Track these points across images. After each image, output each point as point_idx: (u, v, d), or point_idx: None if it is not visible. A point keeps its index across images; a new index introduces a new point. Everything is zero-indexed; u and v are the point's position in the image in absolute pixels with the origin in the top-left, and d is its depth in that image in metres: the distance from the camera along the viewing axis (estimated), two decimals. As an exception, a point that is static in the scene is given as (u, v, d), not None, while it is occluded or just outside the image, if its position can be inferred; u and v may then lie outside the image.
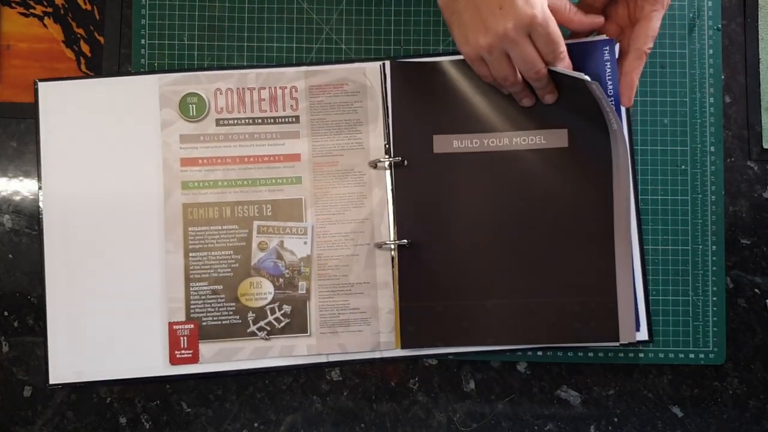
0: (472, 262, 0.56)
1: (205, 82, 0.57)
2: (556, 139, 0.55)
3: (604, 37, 0.53)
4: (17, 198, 0.59)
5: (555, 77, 0.52)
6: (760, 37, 0.60)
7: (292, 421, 0.58)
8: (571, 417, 0.58)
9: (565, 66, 0.50)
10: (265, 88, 0.57)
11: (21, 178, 0.59)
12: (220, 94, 0.57)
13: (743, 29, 0.60)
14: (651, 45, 0.52)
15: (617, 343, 0.55)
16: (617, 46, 0.54)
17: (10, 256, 0.58)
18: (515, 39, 0.47)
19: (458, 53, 0.53)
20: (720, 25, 0.60)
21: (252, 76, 0.57)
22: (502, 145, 0.56)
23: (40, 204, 0.56)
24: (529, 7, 0.46)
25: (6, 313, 0.58)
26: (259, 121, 0.57)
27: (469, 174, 0.56)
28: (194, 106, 0.57)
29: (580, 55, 0.52)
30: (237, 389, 0.58)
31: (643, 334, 0.56)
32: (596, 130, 0.54)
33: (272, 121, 0.57)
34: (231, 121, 0.57)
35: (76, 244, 0.56)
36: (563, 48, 0.49)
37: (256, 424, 0.58)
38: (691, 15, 0.60)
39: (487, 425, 0.58)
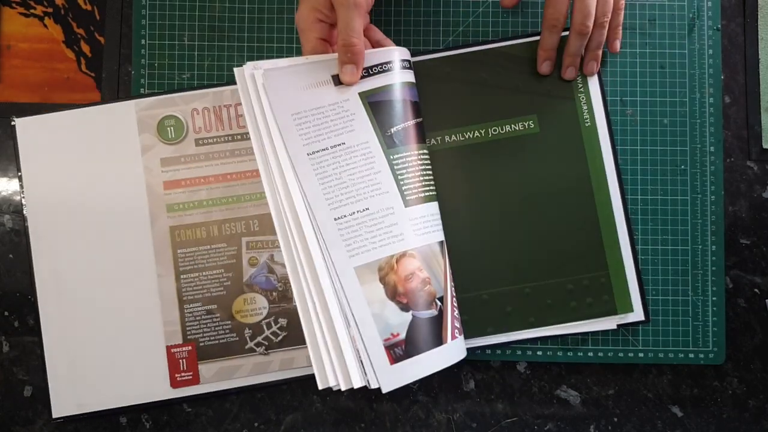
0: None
1: (180, 104, 0.57)
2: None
3: None
4: (18, 198, 0.59)
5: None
6: (759, 37, 0.60)
7: (292, 421, 0.58)
8: (570, 417, 0.58)
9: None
10: (241, 104, 0.57)
11: (21, 178, 0.59)
12: (197, 113, 0.57)
13: (743, 29, 0.60)
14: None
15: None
16: None
17: (11, 256, 0.58)
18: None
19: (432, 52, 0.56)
20: (719, 25, 0.60)
21: (227, 93, 0.57)
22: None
23: (30, 238, 0.56)
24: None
25: (6, 313, 0.58)
26: (239, 137, 0.57)
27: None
28: (172, 128, 0.57)
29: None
30: (237, 389, 0.58)
31: (638, 315, 0.56)
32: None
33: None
34: (210, 140, 0.57)
35: (68, 277, 0.56)
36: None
37: (256, 424, 0.58)
38: (690, 15, 0.60)
39: (486, 425, 0.58)
